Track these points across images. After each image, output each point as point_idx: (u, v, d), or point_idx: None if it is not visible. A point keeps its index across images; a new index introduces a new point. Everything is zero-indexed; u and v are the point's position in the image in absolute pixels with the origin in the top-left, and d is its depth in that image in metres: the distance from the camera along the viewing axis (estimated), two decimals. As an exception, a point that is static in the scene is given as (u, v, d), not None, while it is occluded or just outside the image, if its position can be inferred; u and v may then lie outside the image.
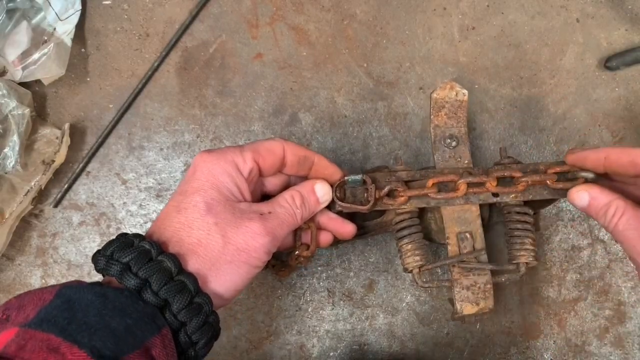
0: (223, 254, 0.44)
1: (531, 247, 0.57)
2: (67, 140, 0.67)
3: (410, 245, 0.56)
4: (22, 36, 0.65)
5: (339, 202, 0.54)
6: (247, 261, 0.45)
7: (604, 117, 0.73)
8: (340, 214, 0.56)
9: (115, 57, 0.71)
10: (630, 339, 0.71)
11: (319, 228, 0.56)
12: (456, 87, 0.60)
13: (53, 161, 0.67)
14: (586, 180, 0.53)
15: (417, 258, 0.56)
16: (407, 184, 0.56)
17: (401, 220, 0.57)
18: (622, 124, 0.73)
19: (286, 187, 0.54)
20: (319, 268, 0.70)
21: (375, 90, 0.72)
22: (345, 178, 0.54)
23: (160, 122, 0.71)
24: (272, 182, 0.53)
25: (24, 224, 0.68)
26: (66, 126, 0.67)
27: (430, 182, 0.54)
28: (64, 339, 0.34)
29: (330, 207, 0.55)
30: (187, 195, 0.46)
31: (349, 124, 0.72)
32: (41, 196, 0.69)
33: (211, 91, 0.71)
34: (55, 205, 0.69)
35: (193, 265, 0.43)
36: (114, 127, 0.70)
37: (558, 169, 0.54)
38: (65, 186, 0.69)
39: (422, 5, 0.73)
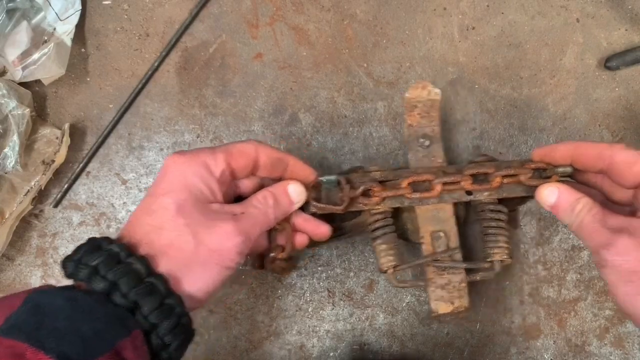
0: (195, 255, 0.44)
1: (505, 245, 0.56)
2: (67, 140, 0.67)
3: (384, 246, 0.56)
4: (22, 36, 0.65)
5: (314, 203, 0.54)
6: (220, 262, 0.44)
7: (604, 117, 0.73)
8: (315, 215, 0.56)
9: (115, 57, 0.71)
10: (630, 339, 0.71)
11: (295, 230, 0.55)
12: (428, 86, 0.60)
13: (53, 161, 0.67)
14: (561, 176, 0.53)
15: (391, 258, 0.56)
16: (382, 183, 0.56)
17: (375, 221, 0.57)
18: (622, 124, 0.73)
19: (260, 189, 0.53)
20: (319, 268, 0.70)
21: (375, 90, 0.72)
22: (320, 179, 0.54)
23: (160, 122, 0.71)
24: (245, 184, 0.53)
25: (24, 224, 0.68)
26: (66, 126, 0.67)
27: (405, 183, 0.54)
28: (30, 344, 0.34)
29: (305, 208, 0.55)
30: (157, 196, 0.45)
31: (349, 124, 0.72)
32: (41, 196, 0.69)
33: (211, 91, 0.71)
34: (55, 205, 0.69)
35: (164, 266, 0.43)
36: (114, 127, 0.70)
37: (533, 166, 0.54)
38: (65, 186, 0.69)
39: (422, 5, 0.73)
